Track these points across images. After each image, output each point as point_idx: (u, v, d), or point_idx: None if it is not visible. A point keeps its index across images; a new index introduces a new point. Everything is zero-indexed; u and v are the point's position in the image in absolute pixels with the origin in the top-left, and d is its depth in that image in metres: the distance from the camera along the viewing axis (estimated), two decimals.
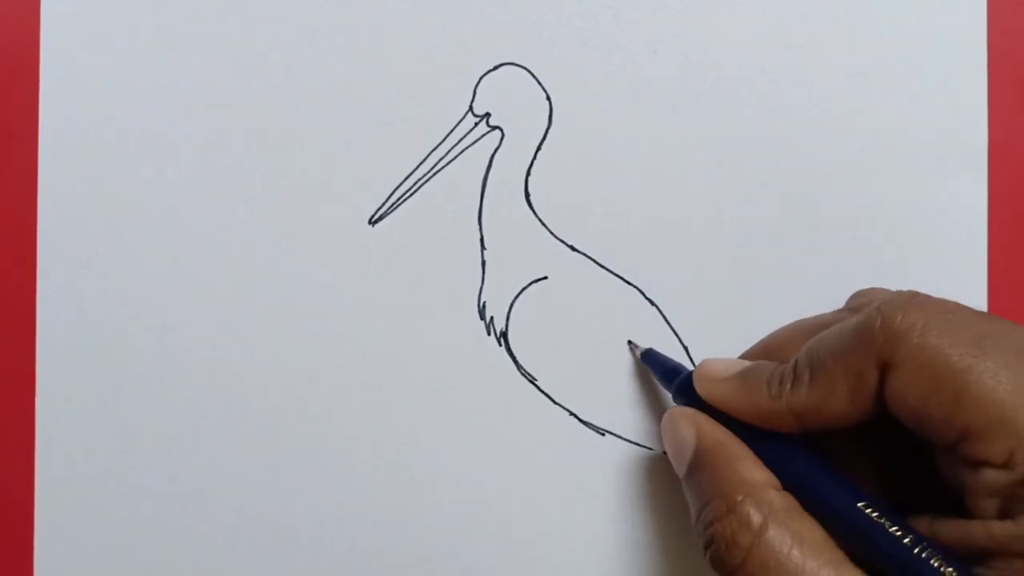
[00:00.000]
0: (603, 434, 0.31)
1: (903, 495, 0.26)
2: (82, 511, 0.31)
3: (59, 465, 0.31)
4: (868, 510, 0.23)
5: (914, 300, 0.24)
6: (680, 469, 0.27)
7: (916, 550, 0.22)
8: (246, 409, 0.31)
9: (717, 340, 0.31)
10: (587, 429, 0.31)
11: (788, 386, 0.25)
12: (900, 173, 0.31)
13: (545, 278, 0.31)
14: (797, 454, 0.25)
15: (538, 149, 0.31)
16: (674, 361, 0.30)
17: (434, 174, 0.31)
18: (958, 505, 0.23)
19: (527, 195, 0.31)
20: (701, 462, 0.26)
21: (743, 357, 0.30)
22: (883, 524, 0.23)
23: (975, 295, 0.32)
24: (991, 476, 0.22)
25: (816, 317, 0.29)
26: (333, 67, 0.31)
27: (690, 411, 0.28)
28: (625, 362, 0.31)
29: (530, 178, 0.31)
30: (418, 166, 0.31)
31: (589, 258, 0.31)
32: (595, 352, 0.31)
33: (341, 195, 0.31)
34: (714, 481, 0.25)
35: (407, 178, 0.31)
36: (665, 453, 0.31)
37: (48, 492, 0.31)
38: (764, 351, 0.29)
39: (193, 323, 0.31)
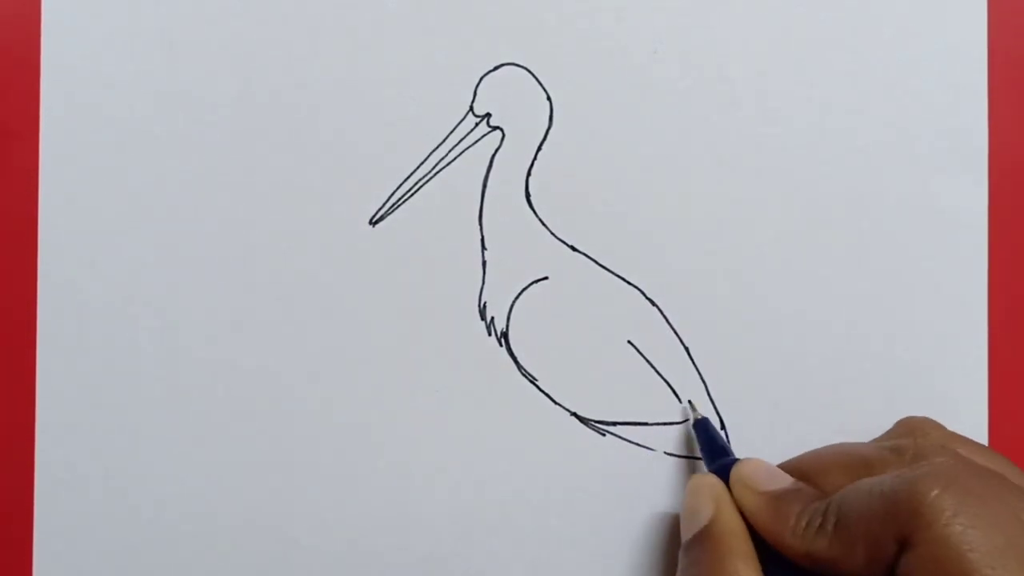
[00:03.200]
0: (603, 434, 0.31)
1: None
2: (82, 511, 0.31)
3: (59, 465, 0.31)
4: None
5: (953, 476, 0.23)
6: (685, 534, 0.28)
7: None
8: (246, 409, 0.31)
9: (717, 340, 0.31)
10: (587, 429, 0.31)
11: (814, 531, 0.25)
12: (900, 173, 0.31)
13: (546, 278, 0.31)
14: None
15: (539, 149, 0.31)
16: (723, 440, 0.30)
17: (434, 174, 0.31)
18: None
19: (528, 195, 0.31)
20: (706, 541, 0.27)
21: (787, 467, 0.29)
22: None
23: (975, 294, 0.32)
24: None
25: (857, 447, 0.29)
26: (333, 67, 0.31)
27: (719, 486, 0.28)
28: (625, 362, 0.31)
29: (531, 178, 0.31)
30: (418, 166, 0.31)
31: (589, 258, 0.31)
32: (595, 352, 0.31)
33: (341, 195, 0.31)
34: (710, 567, 0.26)
35: (407, 178, 0.31)
36: (666, 453, 0.31)
37: (48, 492, 0.31)
38: (801, 470, 0.29)
39: (193, 323, 0.31)
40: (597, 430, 0.31)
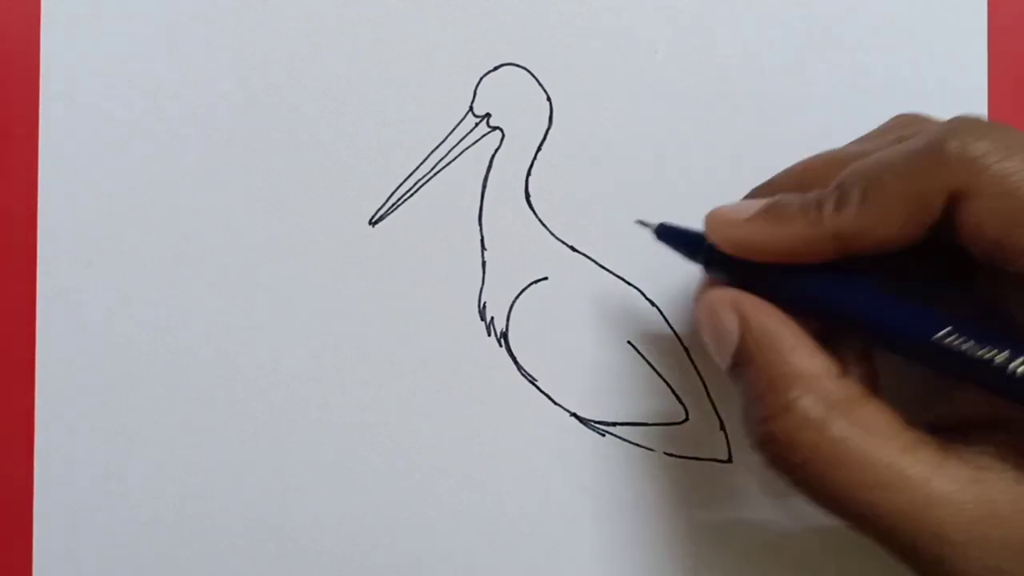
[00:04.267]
0: (603, 434, 0.31)
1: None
2: (82, 511, 0.31)
3: (59, 465, 0.31)
4: (955, 337, 0.21)
5: (992, 125, 0.21)
6: (723, 362, 0.25)
7: None
8: (246, 409, 0.31)
9: None
10: (587, 429, 0.31)
11: (831, 208, 0.23)
12: None
13: (545, 278, 0.31)
14: (856, 289, 0.23)
15: (538, 149, 0.31)
16: (695, 230, 0.27)
17: (434, 174, 0.31)
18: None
19: (527, 195, 0.31)
20: (748, 354, 0.24)
21: (752, 196, 0.27)
22: (984, 350, 0.21)
23: None
24: None
25: (851, 145, 0.26)
26: (333, 67, 0.31)
27: (731, 293, 0.25)
28: (625, 362, 0.31)
29: (530, 178, 0.31)
30: (418, 166, 0.31)
31: (589, 258, 0.31)
32: (595, 352, 0.31)
33: (341, 195, 0.31)
34: (765, 376, 0.23)
35: (407, 178, 0.31)
36: (666, 453, 0.31)
37: (48, 492, 0.31)
38: (784, 184, 0.26)
39: (193, 323, 0.31)
40: (597, 430, 0.31)
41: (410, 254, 0.31)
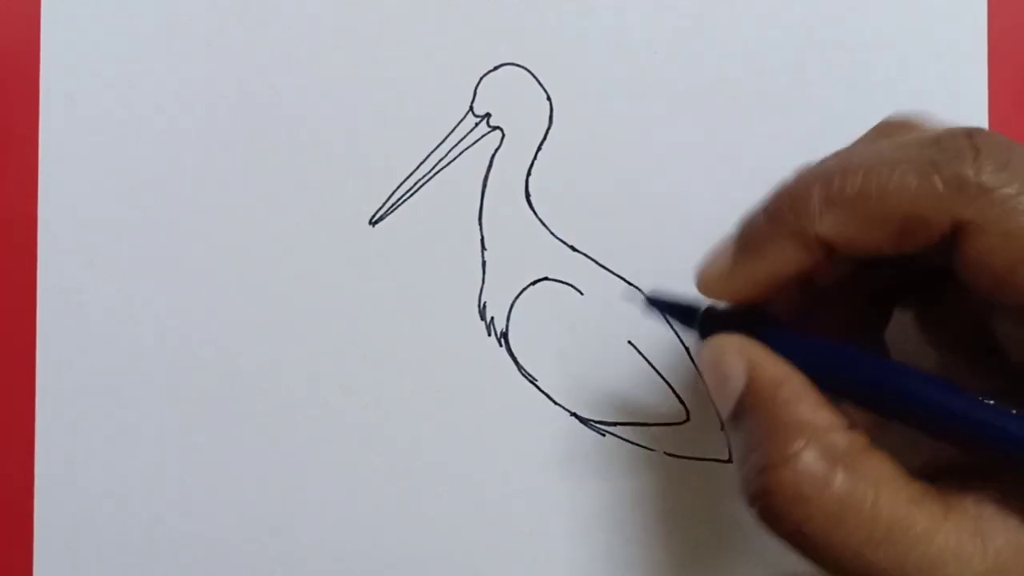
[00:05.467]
0: (603, 434, 0.31)
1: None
2: (82, 511, 0.31)
3: (59, 465, 0.31)
4: (975, 399, 0.21)
5: (1002, 147, 0.20)
6: (724, 409, 0.24)
7: None
8: (246, 409, 0.31)
9: None
10: (587, 429, 0.31)
11: (816, 213, 0.22)
12: None
13: (546, 278, 0.31)
14: (871, 360, 0.22)
15: (539, 149, 0.31)
16: (687, 298, 0.26)
17: (434, 174, 0.31)
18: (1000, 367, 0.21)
19: (528, 195, 0.31)
20: (753, 402, 0.22)
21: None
22: (993, 408, 0.21)
23: None
24: None
25: (837, 153, 0.24)
26: (333, 67, 0.31)
27: (739, 339, 0.24)
28: (625, 362, 0.31)
29: (531, 178, 0.31)
30: (418, 166, 0.31)
31: (589, 258, 0.31)
32: (595, 352, 0.31)
33: (341, 195, 0.31)
34: (770, 425, 0.22)
35: (407, 178, 0.31)
36: (666, 453, 0.31)
37: (48, 492, 0.31)
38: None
39: (193, 323, 0.31)
40: (597, 430, 0.31)
41: (410, 254, 0.31)
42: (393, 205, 0.31)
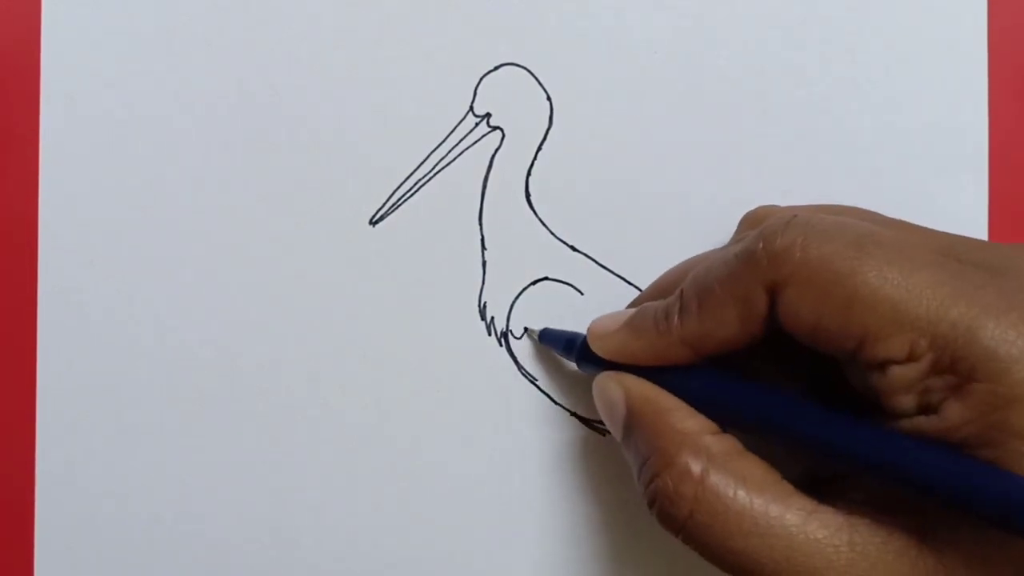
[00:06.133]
0: (603, 434, 0.31)
1: None
2: (82, 511, 0.31)
3: (59, 465, 0.31)
4: (817, 410, 0.23)
5: (792, 221, 0.23)
6: (617, 433, 0.27)
7: (879, 431, 0.22)
8: (246, 409, 0.31)
9: None
10: (587, 429, 0.31)
11: (675, 318, 0.25)
12: (900, 173, 0.31)
13: (546, 278, 0.31)
14: (726, 382, 0.25)
15: (539, 149, 0.31)
16: (571, 332, 0.30)
17: (434, 174, 0.31)
18: (878, 411, 0.23)
19: (528, 195, 0.31)
20: (634, 421, 0.26)
21: (632, 304, 0.30)
22: (837, 418, 0.23)
23: None
24: (899, 373, 0.22)
25: (703, 254, 0.29)
26: (333, 67, 0.31)
27: (615, 373, 0.27)
28: None
29: (531, 178, 0.31)
30: (418, 166, 0.31)
31: (589, 258, 0.31)
32: None
33: (341, 195, 0.31)
34: (649, 438, 0.25)
35: (407, 178, 0.31)
36: None
37: (48, 492, 0.31)
38: (652, 295, 0.29)
39: (193, 323, 0.31)
40: (597, 430, 0.31)
41: (410, 254, 0.31)
42: (393, 205, 0.31)
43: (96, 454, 0.31)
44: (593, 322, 0.28)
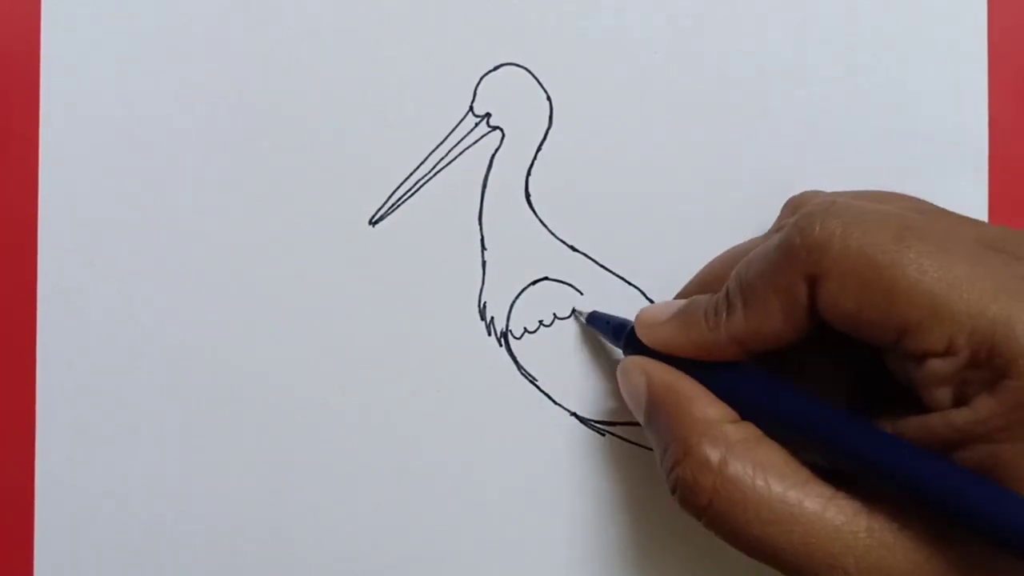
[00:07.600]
0: (603, 434, 0.31)
1: (862, 402, 0.26)
2: (82, 511, 0.31)
3: (59, 465, 0.31)
4: (833, 415, 0.24)
5: (831, 208, 0.23)
6: (639, 418, 0.27)
7: (887, 440, 0.22)
8: (246, 409, 0.31)
9: None
10: (587, 429, 0.31)
11: (724, 315, 0.25)
12: (900, 173, 0.31)
13: (546, 278, 0.31)
14: (751, 378, 0.25)
15: (538, 149, 0.31)
16: (620, 318, 0.29)
17: (434, 174, 0.31)
18: (915, 402, 0.23)
19: (527, 195, 0.31)
20: (655, 408, 0.26)
21: (680, 295, 0.30)
22: (850, 424, 0.23)
23: None
24: (937, 366, 0.22)
25: (746, 242, 0.29)
26: (333, 67, 0.31)
27: (639, 359, 0.27)
28: None
29: (530, 178, 0.31)
30: (418, 166, 0.31)
31: (589, 258, 0.31)
32: (595, 352, 0.31)
33: (341, 195, 0.31)
34: (670, 425, 0.25)
35: (407, 178, 0.31)
36: None
37: (48, 492, 0.31)
38: (700, 285, 0.29)
39: (193, 323, 0.31)
40: (597, 430, 0.31)
41: (410, 254, 0.31)
42: (393, 205, 0.31)
43: (96, 454, 0.31)
44: (642, 310, 0.28)
